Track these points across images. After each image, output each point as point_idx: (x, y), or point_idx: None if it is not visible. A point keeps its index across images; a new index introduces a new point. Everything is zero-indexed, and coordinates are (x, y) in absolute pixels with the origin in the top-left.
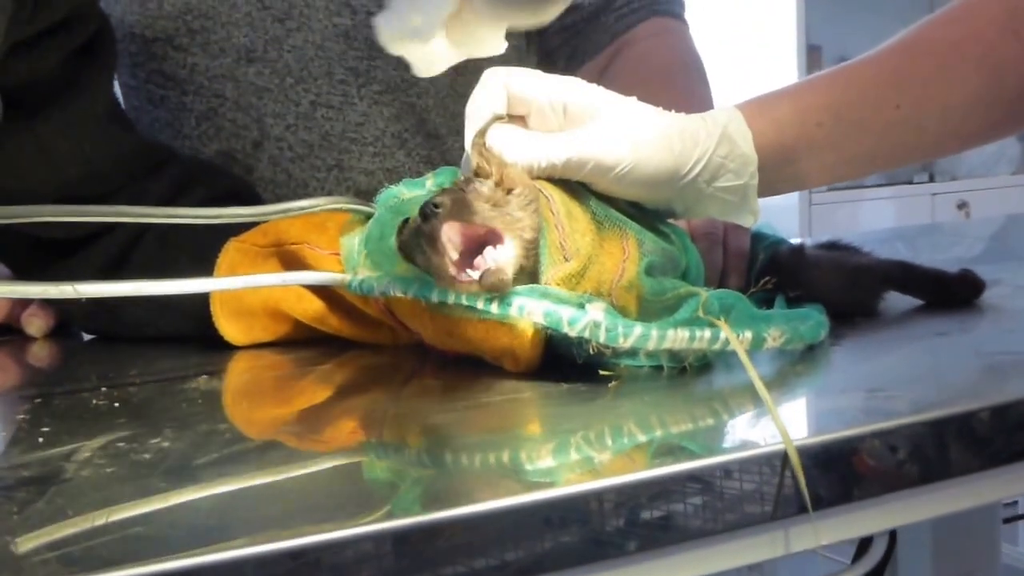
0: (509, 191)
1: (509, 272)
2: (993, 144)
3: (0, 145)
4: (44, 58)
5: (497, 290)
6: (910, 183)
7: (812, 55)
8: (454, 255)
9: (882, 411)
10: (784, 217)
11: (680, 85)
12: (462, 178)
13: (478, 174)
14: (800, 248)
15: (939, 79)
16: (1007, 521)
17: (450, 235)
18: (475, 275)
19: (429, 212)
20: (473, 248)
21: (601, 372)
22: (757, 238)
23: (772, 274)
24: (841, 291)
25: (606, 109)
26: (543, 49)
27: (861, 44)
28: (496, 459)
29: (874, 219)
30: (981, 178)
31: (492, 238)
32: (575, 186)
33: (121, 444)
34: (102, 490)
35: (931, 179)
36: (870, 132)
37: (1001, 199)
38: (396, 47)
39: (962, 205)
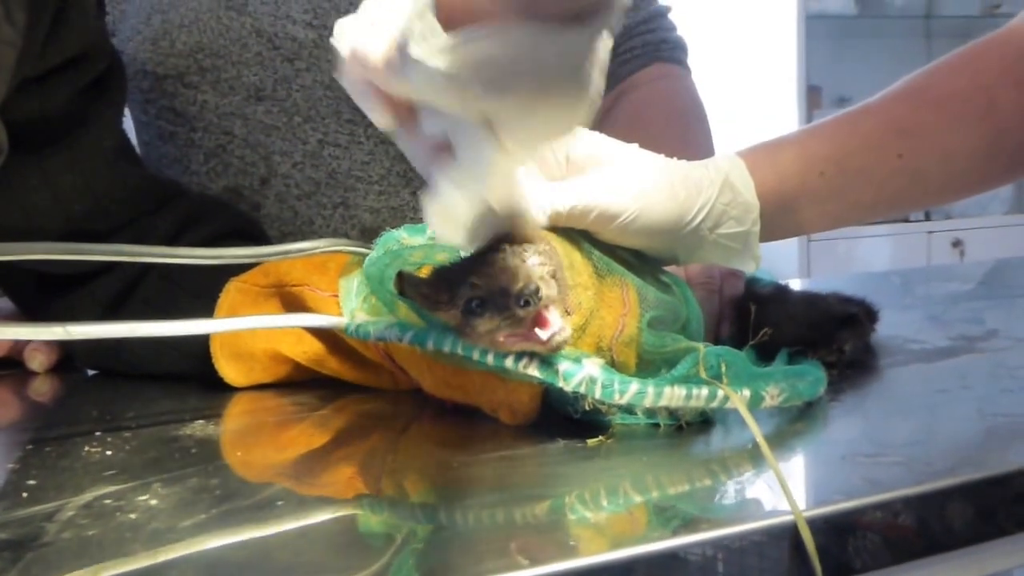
0: (521, 243)
1: (569, 331)
2: (982, 194)
3: (6, 180)
4: (53, 94)
5: (560, 349)
6: (907, 221)
7: (812, 96)
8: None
9: (886, 480)
10: (783, 256)
11: (681, 131)
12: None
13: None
14: (782, 287)
15: (942, 129)
16: None
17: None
18: (544, 336)
19: (532, 302)
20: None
21: (589, 443)
22: (753, 283)
23: (747, 310)
24: (800, 326)
25: (609, 157)
26: None
27: (860, 85)
28: (491, 524)
29: (872, 257)
30: (975, 217)
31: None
32: (576, 236)
33: (108, 501)
34: (81, 557)
35: (927, 218)
36: (872, 181)
37: (994, 238)
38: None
39: (957, 244)
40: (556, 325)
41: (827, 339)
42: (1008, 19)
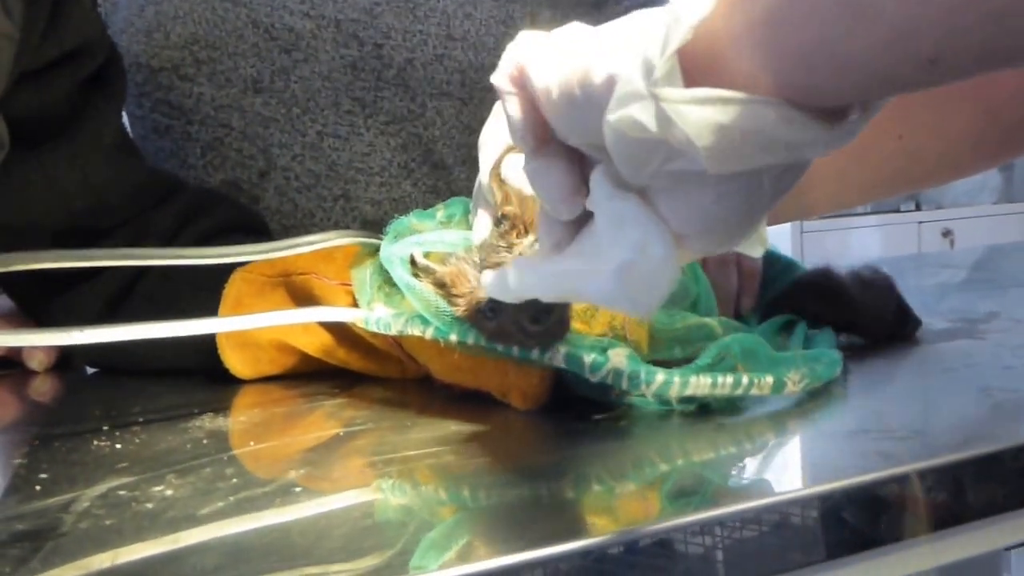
0: (526, 231)
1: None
2: (976, 175)
3: (6, 177)
4: (52, 89)
5: (558, 341)
6: (897, 211)
7: None
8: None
9: (900, 454)
10: (776, 244)
11: None
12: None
13: (504, 215)
14: (830, 270)
15: (937, 108)
16: (1008, 548)
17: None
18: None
19: (489, 316)
20: None
21: (595, 417)
22: (770, 259)
23: (801, 297)
24: (888, 316)
25: None
26: None
27: None
28: (515, 503)
29: (863, 246)
30: (965, 207)
31: None
32: None
33: (122, 492)
34: (101, 545)
35: (917, 208)
36: (871, 162)
37: (984, 227)
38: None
39: (947, 233)
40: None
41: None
42: None
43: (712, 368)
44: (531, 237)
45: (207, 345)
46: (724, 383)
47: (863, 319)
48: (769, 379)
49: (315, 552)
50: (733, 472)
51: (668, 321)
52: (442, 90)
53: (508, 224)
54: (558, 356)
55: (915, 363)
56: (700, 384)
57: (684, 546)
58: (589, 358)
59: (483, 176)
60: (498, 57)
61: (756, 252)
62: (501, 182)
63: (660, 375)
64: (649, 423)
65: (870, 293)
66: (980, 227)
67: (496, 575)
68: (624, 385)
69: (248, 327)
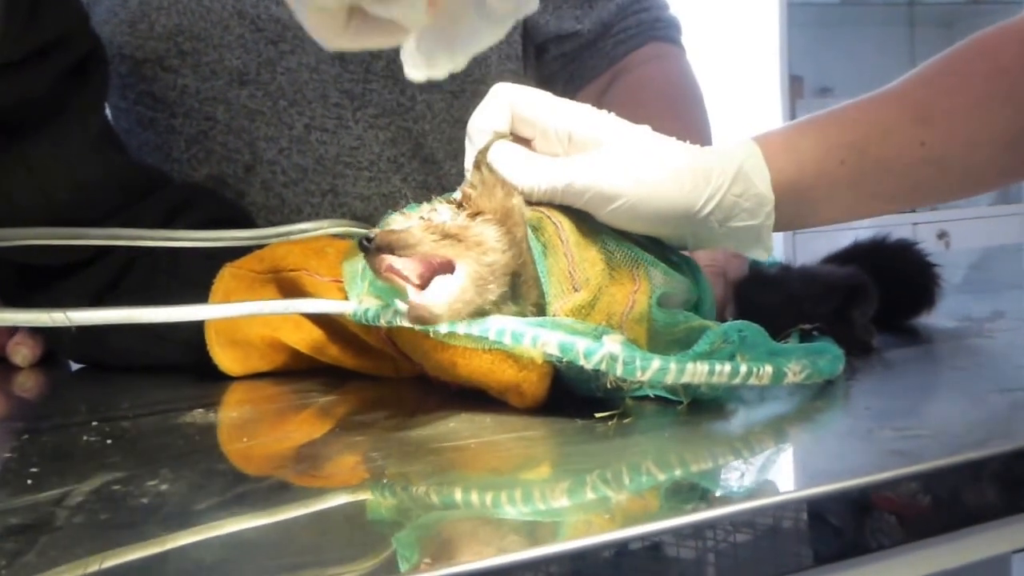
0: (476, 215)
1: (440, 307)
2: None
3: None
4: (34, 79)
5: (425, 323)
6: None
7: (794, 85)
8: (404, 283)
9: (917, 452)
10: None
11: (676, 110)
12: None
13: (465, 193)
14: (785, 266)
15: (964, 115)
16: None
17: (392, 265)
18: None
19: (364, 245)
20: (428, 273)
21: (596, 415)
22: (756, 264)
23: (750, 289)
24: (801, 302)
25: (612, 139)
26: (541, 74)
27: (841, 74)
28: (509, 504)
29: None
30: (960, 208)
31: (442, 267)
32: (586, 214)
33: (116, 487)
34: (97, 539)
35: (912, 209)
36: (892, 171)
37: (979, 229)
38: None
39: (942, 235)
40: (409, 272)
41: (835, 314)
42: (992, 8)
43: (710, 356)
44: (479, 227)
45: (195, 341)
46: (722, 371)
47: (803, 304)
48: (768, 368)
49: (311, 549)
50: (736, 473)
51: (669, 321)
52: (432, 83)
53: (462, 201)
54: (552, 344)
55: (927, 363)
56: (697, 371)
57: (676, 549)
58: (584, 344)
59: (467, 161)
60: (489, 50)
61: (760, 256)
62: (482, 168)
63: (656, 361)
64: (649, 422)
65: (803, 280)
66: (976, 229)
67: (488, 575)
68: (619, 371)
69: (236, 315)
